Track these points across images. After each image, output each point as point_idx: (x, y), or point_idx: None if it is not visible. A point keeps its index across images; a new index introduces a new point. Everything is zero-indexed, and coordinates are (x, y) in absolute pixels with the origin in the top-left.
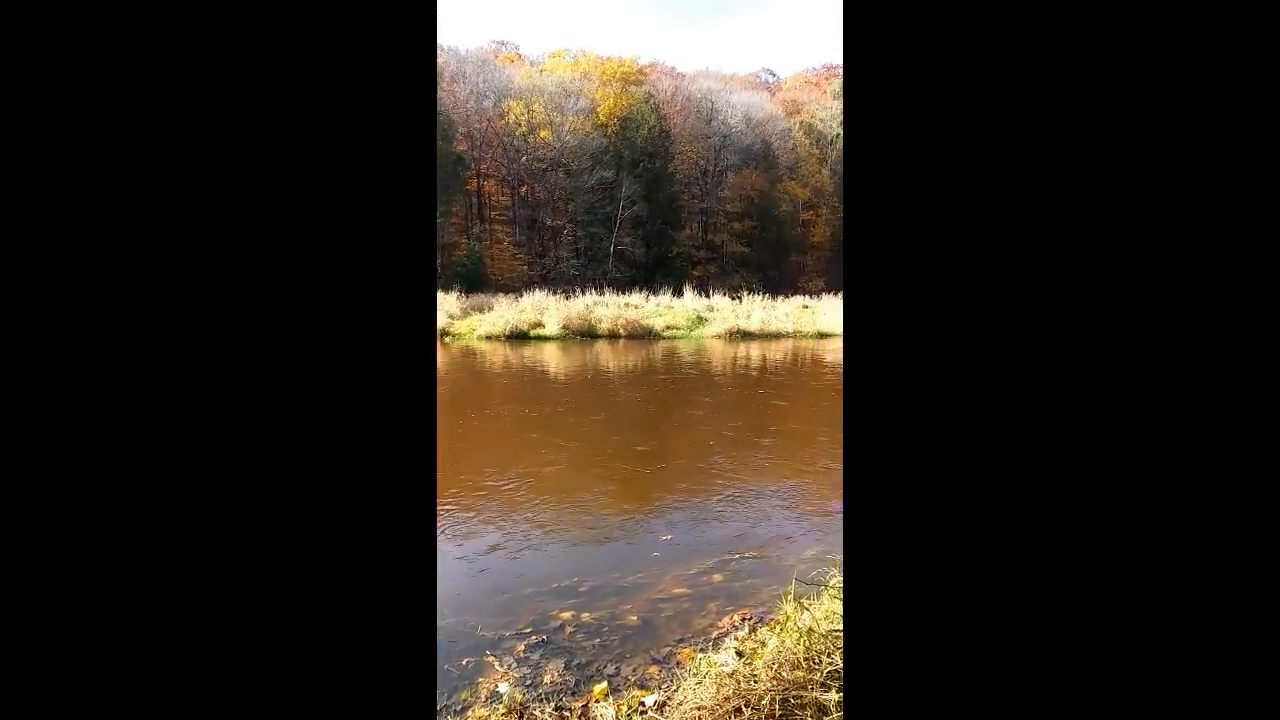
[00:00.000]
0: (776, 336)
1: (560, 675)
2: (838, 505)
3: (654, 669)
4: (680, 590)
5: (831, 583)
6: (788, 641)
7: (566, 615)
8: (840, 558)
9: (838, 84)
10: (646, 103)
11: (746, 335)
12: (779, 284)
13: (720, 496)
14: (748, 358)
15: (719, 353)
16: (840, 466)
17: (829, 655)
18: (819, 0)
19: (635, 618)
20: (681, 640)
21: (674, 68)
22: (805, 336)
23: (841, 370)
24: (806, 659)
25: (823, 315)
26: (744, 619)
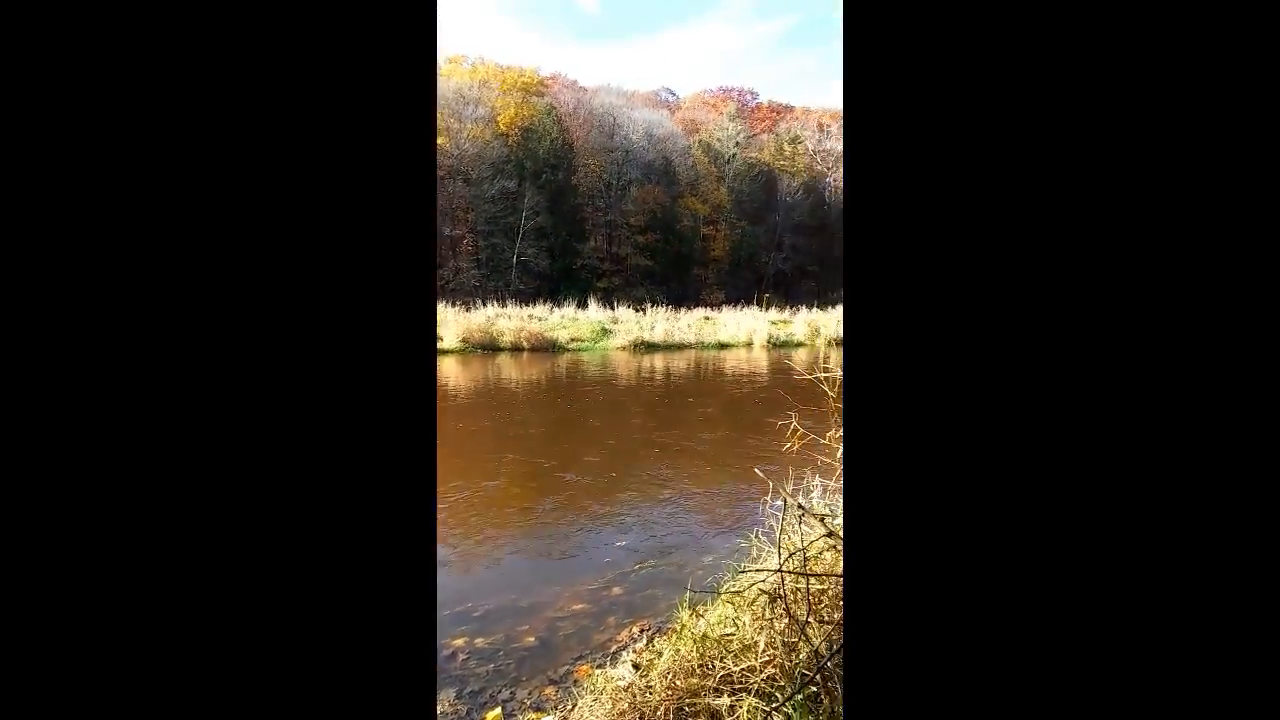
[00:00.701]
0: (680, 348)
1: (451, 705)
2: (741, 510)
3: (551, 690)
4: (580, 606)
5: (724, 587)
6: (682, 649)
7: (459, 642)
8: (734, 562)
9: (734, 107)
10: (549, 114)
11: (650, 347)
12: (681, 296)
13: (625, 508)
14: (653, 369)
15: (624, 364)
16: (756, 474)
17: (720, 660)
18: (716, 28)
19: (533, 638)
20: (580, 657)
21: (575, 81)
22: (707, 347)
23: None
24: (700, 665)
25: (723, 327)
26: (642, 630)
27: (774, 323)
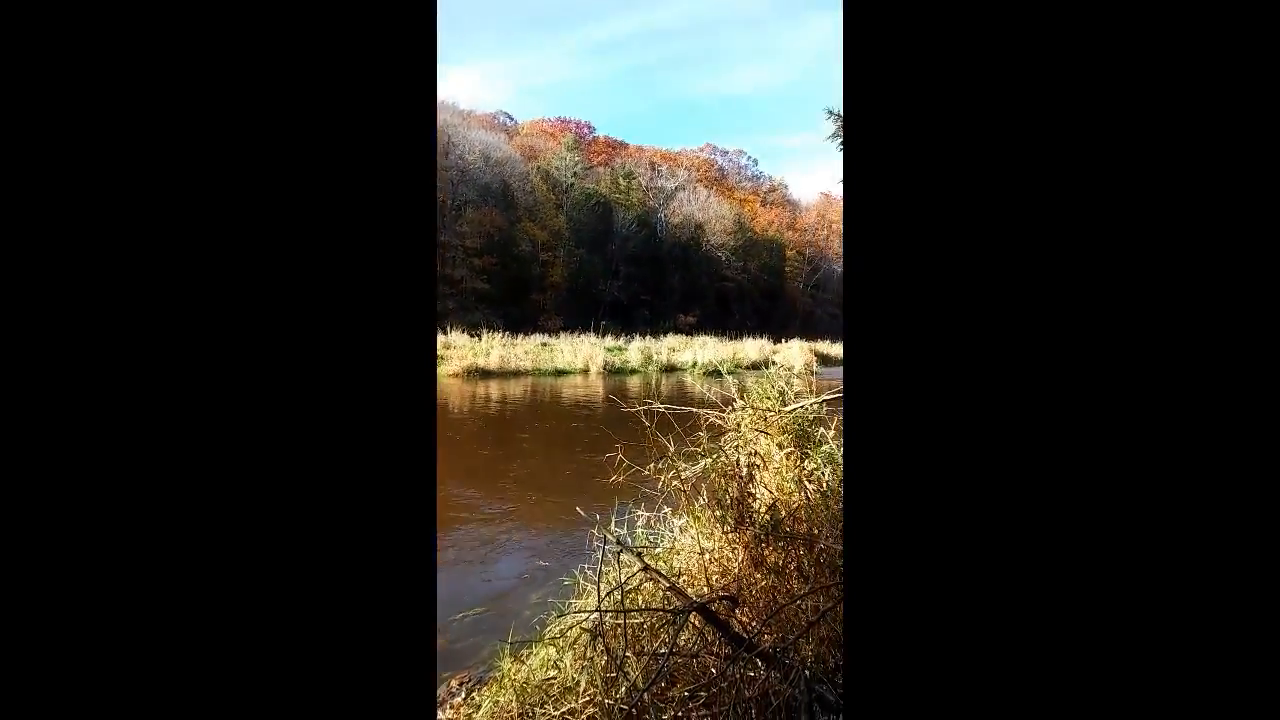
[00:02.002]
0: (516, 374)
1: None
2: (569, 545)
3: None
4: None
5: (548, 629)
6: (502, 700)
7: None
8: (559, 601)
9: (571, 137)
10: None
11: (486, 374)
12: (519, 321)
13: (447, 548)
14: (487, 397)
15: (456, 392)
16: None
17: (542, 706)
18: (555, 60)
19: None
20: None
21: None
22: (544, 374)
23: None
24: (520, 715)
25: (560, 353)
26: (461, 683)
27: (610, 349)
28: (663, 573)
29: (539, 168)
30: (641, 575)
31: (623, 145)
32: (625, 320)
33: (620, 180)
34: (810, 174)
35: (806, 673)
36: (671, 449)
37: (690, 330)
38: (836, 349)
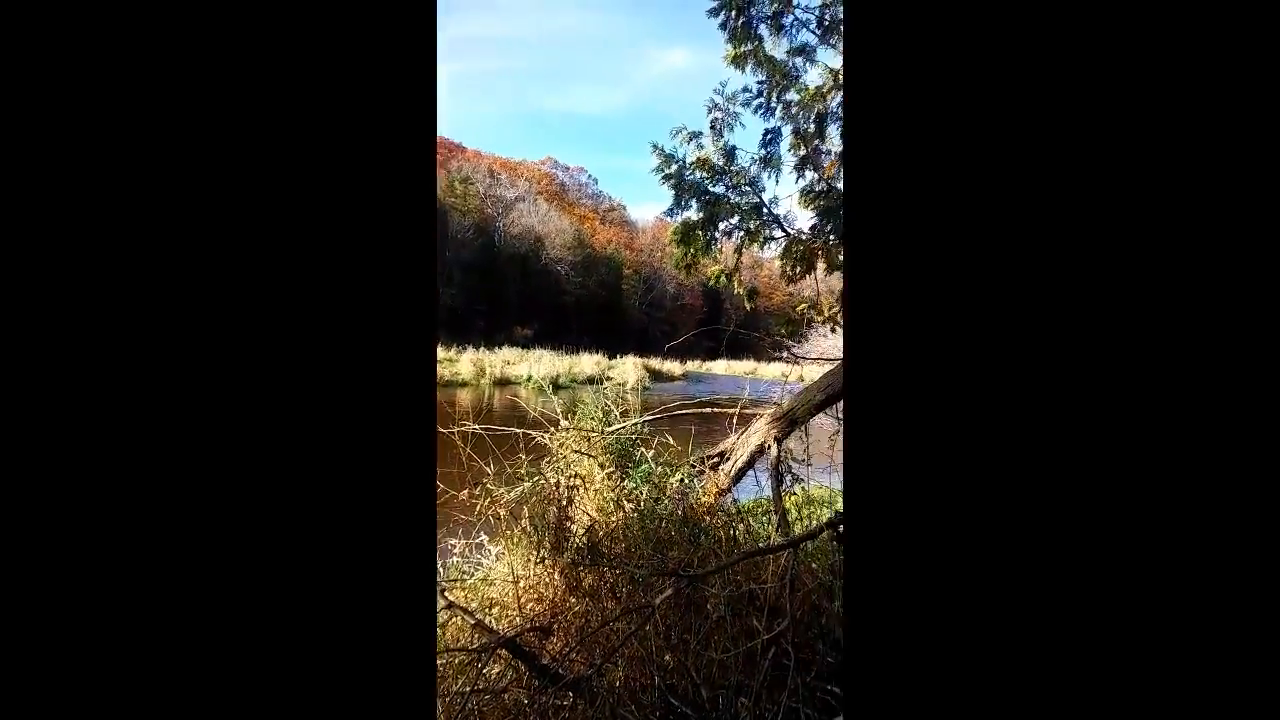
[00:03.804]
0: None
1: None
2: None
3: None
4: None
5: None
6: None
7: None
8: None
9: None
10: None
11: None
12: None
13: None
14: None
15: None
16: None
17: None
18: None
19: None
20: None
21: None
22: None
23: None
24: None
25: None
26: None
27: (439, 361)
28: (466, 608)
29: None
30: (446, 614)
31: (461, 149)
32: (459, 329)
33: (457, 184)
34: (647, 199)
35: (612, 699)
36: (491, 473)
37: (527, 343)
38: (668, 365)
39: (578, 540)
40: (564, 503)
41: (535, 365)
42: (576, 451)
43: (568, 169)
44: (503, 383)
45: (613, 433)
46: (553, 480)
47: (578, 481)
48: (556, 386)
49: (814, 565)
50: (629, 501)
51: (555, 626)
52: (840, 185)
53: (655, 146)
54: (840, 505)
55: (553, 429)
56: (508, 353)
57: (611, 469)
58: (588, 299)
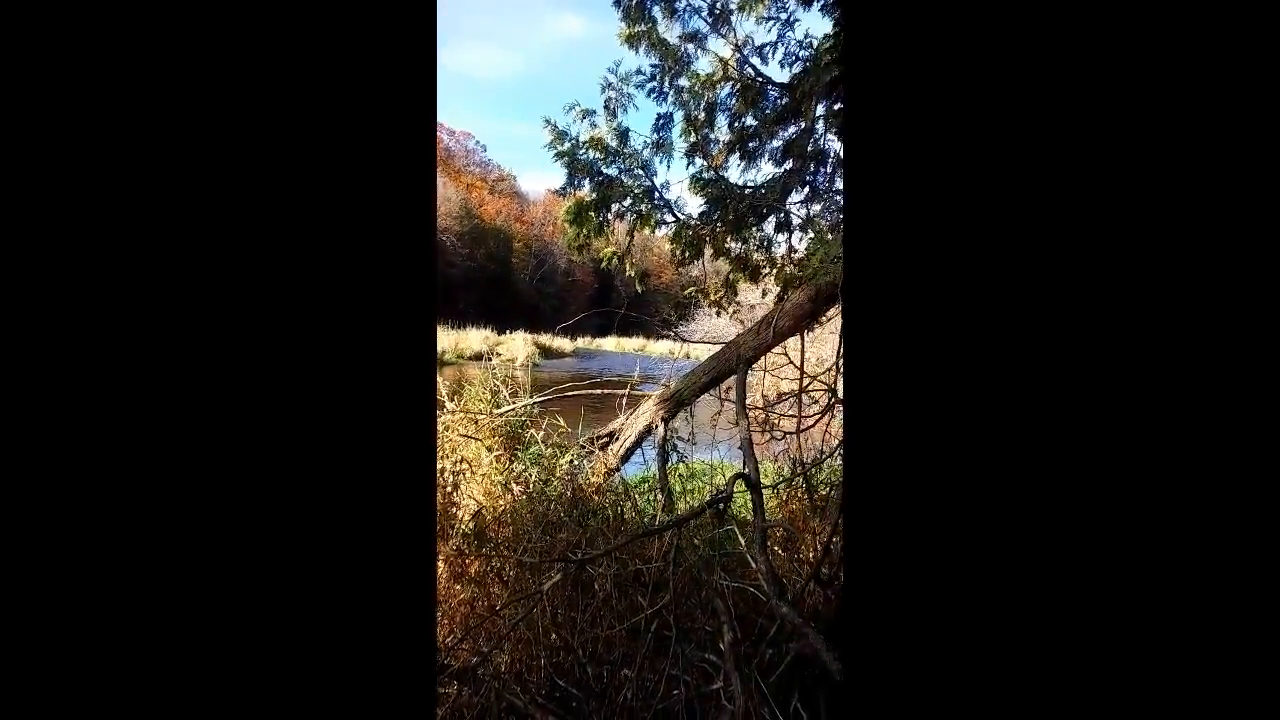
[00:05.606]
0: None
1: None
2: None
3: None
4: None
5: None
6: None
7: None
8: None
9: None
10: None
11: None
12: None
13: None
14: None
15: None
16: None
17: None
18: None
19: None
20: None
21: None
22: None
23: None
24: None
25: None
26: None
27: None
28: None
29: None
30: None
31: None
32: None
33: None
34: (538, 168)
35: (497, 684)
36: None
37: None
38: (559, 342)
39: (464, 527)
40: (449, 489)
41: None
42: (463, 435)
43: (454, 133)
44: None
45: (501, 414)
46: (438, 465)
47: (464, 466)
48: (442, 363)
49: (696, 541)
50: (517, 484)
51: (440, 616)
52: (727, 175)
53: (548, 121)
54: (720, 480)
55: (438, 411)
56: None
57: (500, 452)
58: (476, 272)
